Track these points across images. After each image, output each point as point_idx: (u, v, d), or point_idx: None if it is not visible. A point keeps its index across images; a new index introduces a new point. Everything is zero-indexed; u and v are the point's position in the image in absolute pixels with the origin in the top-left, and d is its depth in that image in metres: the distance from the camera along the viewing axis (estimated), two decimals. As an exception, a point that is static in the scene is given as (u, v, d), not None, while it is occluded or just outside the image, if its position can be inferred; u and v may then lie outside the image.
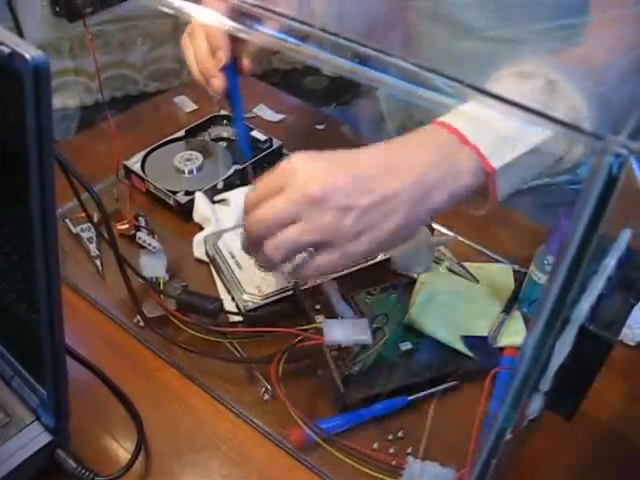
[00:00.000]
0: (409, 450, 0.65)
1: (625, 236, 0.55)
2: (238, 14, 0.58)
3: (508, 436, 0.42)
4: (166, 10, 0.49)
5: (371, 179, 0.60)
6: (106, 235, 0.70)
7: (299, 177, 0.60)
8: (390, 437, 0.66)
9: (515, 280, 0.81)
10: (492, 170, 0.62)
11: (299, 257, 0.62)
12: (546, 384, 0.52)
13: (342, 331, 0.65)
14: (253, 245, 0.65)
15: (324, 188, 0.59)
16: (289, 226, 0.61)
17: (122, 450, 0.65)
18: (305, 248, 0.61)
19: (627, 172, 0.28)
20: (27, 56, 0.40)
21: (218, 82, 0.82)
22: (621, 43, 0.71)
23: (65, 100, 1.96)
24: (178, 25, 2.06)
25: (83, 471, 0.60)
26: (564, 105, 0.62)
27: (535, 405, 0.55)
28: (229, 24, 0.54)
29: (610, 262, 0.52)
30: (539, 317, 0.36)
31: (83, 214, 0.72)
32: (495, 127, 0.62)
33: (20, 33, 0.67)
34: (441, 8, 0.96)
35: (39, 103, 0.42)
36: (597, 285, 0.51)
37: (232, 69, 0.82)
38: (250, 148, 0.92)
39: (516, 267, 0.83)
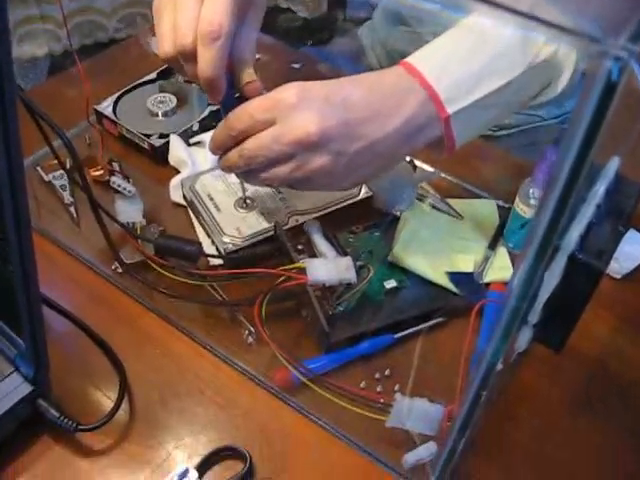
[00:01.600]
0: (397, 388, 0.64)
1: (614, 163, 0.54)
2: None
3: (499, 367, 0.41)
4: None
5: (360, 125, 0.62)
6: (80, 182, 0.67)
7: (294, 116, 0.61)
8: (377, 375, 0.66)
9: (499, 215, 0.80)
10: (446, 116, 0.63)
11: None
12: (535, 316, 0.51)
13: (325, 270, 0.64)
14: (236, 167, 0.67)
15: (319, 133, 0.60)
16: (280, 164, 0.63)
17: (105, 398, 0.64)
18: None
19: (628, 78, 0.26)
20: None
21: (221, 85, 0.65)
22: None
23: (33, 49, 1.89)
24: (147, -32, 2.00)
25: (66, 420, 0.59)
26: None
27: (524, 338, 0.54)
28: None
29: (599, 190, 0.51)
30: (529, 247, 0.35)
31: (55, 161, 0.70)
32: (461, 64, 0.63)
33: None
34: None
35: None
36: (586, 213, 0.50)
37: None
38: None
39: (500, 202, 0.82)
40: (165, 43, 0.64)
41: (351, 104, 0.62)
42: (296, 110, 0.61)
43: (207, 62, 0.62)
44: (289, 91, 0.62)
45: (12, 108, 0.43)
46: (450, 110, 0.62)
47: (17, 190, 0.47)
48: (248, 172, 0.66)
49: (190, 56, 0.62)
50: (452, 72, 0.63)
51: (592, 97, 0.25)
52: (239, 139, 0.64)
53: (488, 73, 0.62)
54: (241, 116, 0.63)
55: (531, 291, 0.39)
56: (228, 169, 0.68)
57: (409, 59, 0.65)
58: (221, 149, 0.67)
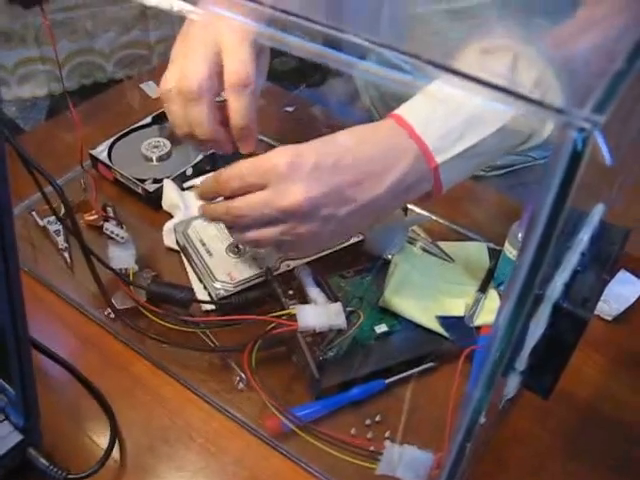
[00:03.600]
0: (387, 434, 0.64)
1: (598, 211, 0.54)
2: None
3: (482, 420, 0.41)
4: None
5: (351, 188, 0.63)
6: (71, 228, 0.68)
7: (285, 185, 0.61)
8: (368, 422, 0.65)
9: (490, 258, 0.80)
10: (434, 166, 0.64)
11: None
12: (522, 363, 0.51)
13: (315, 316, 0.64)
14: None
15: (308, 204, 0.61)
16: (268, 227, 0.64)
17: (95, 446, 0.64)
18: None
19: (593, 146, 0.27)
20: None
21: (254, 133, 0.70)
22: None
23: (33, 89, 1.92)
24: (146, 10, 2.03)
25: (55, 469, 0.59)
26: (529, 79, 0.62)
27: (512, 385, 0.54)
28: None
29: (583, 238, 0.52)
30: (509, 294, 0.35)
31: (50, 206, 0.71)
32: (447, 116, 0.64)
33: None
34: None
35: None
36: (571, 261, 0.50)
37: None
38: None
39: (491, 245, 0.82)
40: (167, 83, 0.68)
41: (342, 167, 0.63)
42: (287, 180, 0.61)
43: (241, 111, 0.66)
44: (280, 159, 0.62)
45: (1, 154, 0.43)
46: (439, 160, 0.63)
47: (5, 235, 0.47)
48: (232, 227, 0.68)
49: (191, 98, 0.66)
50: (438, 124, 0.64)
51: (560, 164, 0.26)
52: (227, 195, 0.66)
53: (472, 125, 0.63)
54: (233, 176, 0.64)
55: (514, 337, 0.40)
56: (210, 218, 0.69)
57: (398, 111, 0.66)
58: (207, 200, 0.68)
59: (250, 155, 0.69)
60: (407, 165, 0.63)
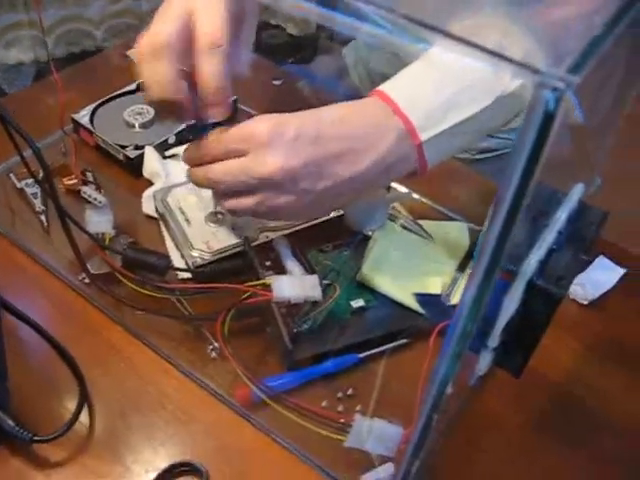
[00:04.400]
0: (358, 408, 0.64)
1: (577, 190, 0.54)
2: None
3: (449, 390, 0.41)
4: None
5: (331, 163, 0.62)
6: (48, 190, 0.67)
7: (263, 153, 0.61)
8: (340, 395, 0.65)
9: (471, 238, 0.80)
10: (418, 143, 0.63)
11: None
12: (494, 340, 0.51)
13: (291, 287, 0.63)
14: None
15: (284, 174, 0.61)
16: (245, 195, 0.64)
17: (65, 410, 0.63)
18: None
19: (568, 110, 0.26)
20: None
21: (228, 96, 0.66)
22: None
23: (19, 55, 1.89)
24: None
25: (22, 431, 0.59)
26: (516, 51, 0.61)
27: (484, 362, 0.54)
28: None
29: (561, 216, 0.51)
30: (477, 266, 0.35)
31: (30, 168, 0.70)
32: (432, 93, 0.64)
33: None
34: None
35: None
36: (547, 239, 0.50)
37: None
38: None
39: (472, 225, 0.82)
40: (154, 90, 0.64)
41: (324, 141, 0.62)
42: (266, 147, 0.61)
43: (213, 73, 0.62)
44: (262, 126, 0.62)
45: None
46: (423, 137, 0.63)
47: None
48: (213, 193, 0.69)
49: (158, 56, 0.62)
50: (423, 101, 0.63)
51: (532, 126, 0.26)
52: (209, 160, 0.65)
53: (457, 103, 0.63)
54: (214, 141, 0.64)
55: (479, 315, 0.39)
56: (193, 183, 0.68)
57: (382, 87, 0.65)
58: (191, 164, 0.68)
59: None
60: (390, 143, 0.63)
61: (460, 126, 0.63)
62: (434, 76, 0.64)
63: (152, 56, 0.63)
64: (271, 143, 0.61)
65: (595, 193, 0.56)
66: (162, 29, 0.63)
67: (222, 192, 0.66)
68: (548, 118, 0.25)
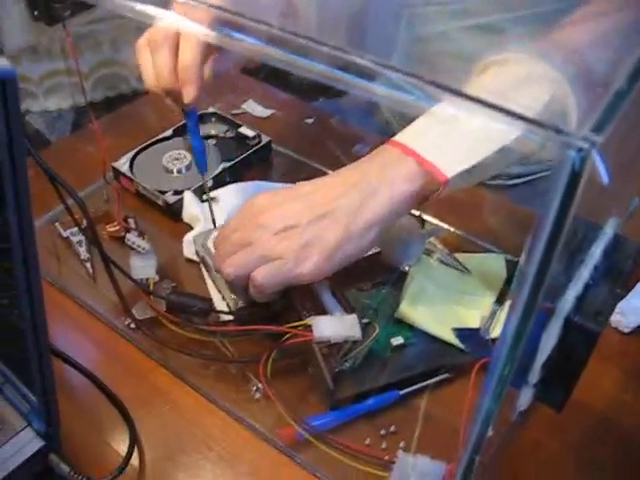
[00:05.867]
0: (401, 445, 0.64)
1: (611, 224, 0.54)
2: (216, 22, 0.59)
3: (490, 432, 0.42)
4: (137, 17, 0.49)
5: (311, 197, 0.67)
6: (92, 239, 0.70)
7: (251, 209, 0.69)
8: (382, 432, 0.66)
9: (508, 269, 0.80)
10: (445, 181, 0.64)
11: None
12: (534, 376, 0.52)
13: (331, 327, 0.65)
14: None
15: (270, 213, 0.67)
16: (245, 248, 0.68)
17: (115, 453, 0.65)
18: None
19: (594, 164, 0.28)
20: (-8, 66, 0.40)
21: (193, 90, 0.74)
22: (601, 30, 0.70)
23: (59, 102, 1.95)
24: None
25: (76, 475, 0.60)
26: (546, 91, 0.62)
27: (525, 397, 0.54)
28: (207, 32, 0.53)
29: (596, 251, 0.52)
30: (515, 305, 0.36)
31: (75, 217, 0.73)
32: (450, 136, 0.65)
33: (-3, 39, 0.66)
34: None
35: (7, 114, 0.41)
36: (583, 275, 0.51)
37: None
38: (205, 163, 0.85)
39: (508, 256, 0.82)
40: (148, 79, 0.74)
41: (304, 185, 0.70)
42: (253, 206, 0.70)
43: (188, 49, 0.69)
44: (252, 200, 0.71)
45: (22, 168, 0.45)
46: (449, 175, 0.64)
47: (27, 244, 0.48)
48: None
49: (156, 46, 0.71)
50: (444, 146, 0.65)
51: (560, 184, 0.27)
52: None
53: (479, 142, 0.63)
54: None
55: (519, 353, 0.40)
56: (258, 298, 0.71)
57: (399, 138, 0.68)
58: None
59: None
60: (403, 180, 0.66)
61: (484, 162, 0.64)
62: (448, 121, 0.65)
63: (153, 49, 0.71)
64: (258, 202, 0.71)
65: (632, 214, 0.56)
66: (161, 26, 0.69)
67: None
68: (574, 177, 0.26)
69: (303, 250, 0.66)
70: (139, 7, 0.52)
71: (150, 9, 0.53)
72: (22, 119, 0.44)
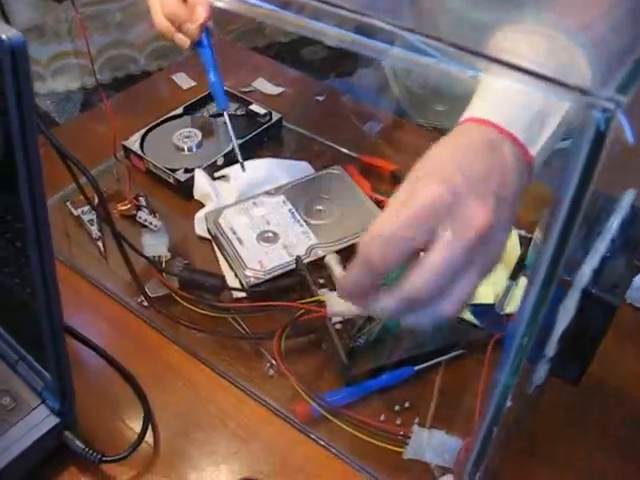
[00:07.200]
0: (416, 420, 0.64)
1: (629, 197, 0.54)
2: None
3: (508, 404, 0.42)
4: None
5: (498, 187, 0.52)
6: (104, 217, 0.69)
7: (462, 209, 0.49)
8: (397, 408, 0.66)
9: (521, 245, 0.80)
10: (530, 159, 0.57)
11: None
12: (551, 350, 0.51)
13: (344, 303, 0.64)
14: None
15: (493, 212, 0.50)
16: (462, 275, 0.50)
17: (129, 430, 0.65)
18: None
19: (617, 127, 0.27)
20: (3, 37, 0.39)
21: (193, 29, 0.77)
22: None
23: (67, 83, 1.95)
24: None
25: (91, 452, 0.61)
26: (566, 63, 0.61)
27: (541, 371, 0.54)
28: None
29: (613, 224, 0.51)
30: (534, 279, 0.35)
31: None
32: (521, 105, 0.58)
33: (5, 17, 0.66)
34: None
35: (18, 84, 0.41)
36: (600, 247, 0.50)
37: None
38: (224, 97, 0.87)
39: (522, 232, 0.82)
40: (156, 15, 0.79)
41: (477, 176, 0.53)
42: (460, 205, 0.49)
43: None
44: (436, 191, 0.49)
45: (34, 148, 0.45)
46: (533, 152, 0.57)
47: (40, 223, 0.48)
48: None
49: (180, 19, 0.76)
50: (519, 118, 0.58)
51: (583, 146, 0.26)
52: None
53: (547, 110, 0.59)
54: (387, 249, 0.50)
55: (538, 323, 0.40)
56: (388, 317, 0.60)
57: (476, 114, 0.59)
58: (360, 295, 0.54)
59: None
60: (510, 159, 0.55)
61: (555, 131, 0.61)
62: (511, 94, 0.58)
63: None
64: (459, 199, 0.50)
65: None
66: None
67: (434, 295, 0.50)
68: (599, 138, 0.25)
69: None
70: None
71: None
72: (32, 93, 0.43)
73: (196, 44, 0.81)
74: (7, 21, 0.66)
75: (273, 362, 0.68)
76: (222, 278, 0.74)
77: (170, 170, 0.88)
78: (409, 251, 0.49)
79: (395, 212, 0.49)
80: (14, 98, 0.42)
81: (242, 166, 0.86)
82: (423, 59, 0.32)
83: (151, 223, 0.78)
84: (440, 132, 1.00)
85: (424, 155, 0.55)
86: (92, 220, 0.84)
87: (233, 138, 0.86)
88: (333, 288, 0.70)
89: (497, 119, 0.58)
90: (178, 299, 0.72)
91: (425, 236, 0.48)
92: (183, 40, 0.80)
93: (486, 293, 0.74)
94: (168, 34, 0.80)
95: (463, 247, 0.48)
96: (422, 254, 0.49)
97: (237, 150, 0.86)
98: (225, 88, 1.01)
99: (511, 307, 0.73)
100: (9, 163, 0.45)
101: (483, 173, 0.53)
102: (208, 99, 1.02)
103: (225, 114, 0.87)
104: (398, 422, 0.65)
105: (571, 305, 0.48)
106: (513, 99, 0.60)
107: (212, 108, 1.01)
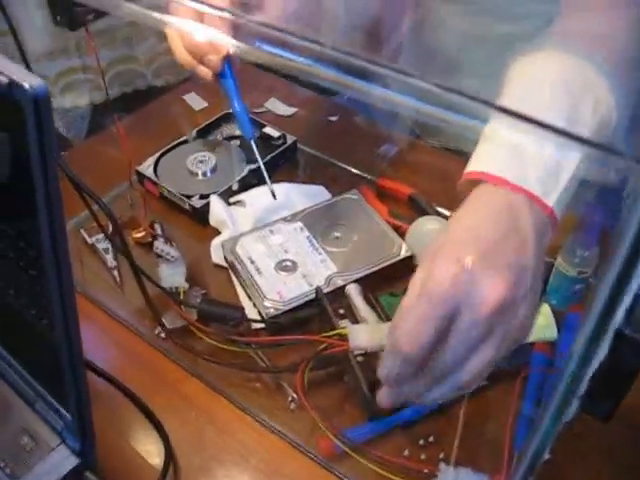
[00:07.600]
0: (441, 455, 0.63)
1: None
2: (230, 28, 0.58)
3: (547, 456, 0.41)
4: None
5: (517, 257, 0.53)
6: (120, 247, 0.68)
7: (476, 287, 0.51)
8: (421, 442, 0.65)
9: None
10: (550, 211, 0.57)
11: None
12: (582, 388, 0.50)
13: (367, 336, 0.63)
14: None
15: (503, 293, 0.51)
16: (479, 348, 0.52)
17: (149, 467, 0.64)
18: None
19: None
20: (26, 86, 0.38)
21: (215, 60, 0.77)
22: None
23: (75, 99, 1.93)
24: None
25: (112, 493, 0.60)
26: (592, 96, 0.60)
27: (571, 408, 0.53)
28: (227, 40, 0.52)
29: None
30: (585, 326, 0.35)
31: (99, 224, 0.71)
32: (533, 154, 0.58)
33: (18, 45, 0.65)
34: None
35: (41, 131, 0.40)
36: (633, 286, 0.49)
37: None
38: (251, 127, 0.86)
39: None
40: (178, 49, 0.78)
41: (494, 247, 0.53)
42: (475, 284, 0.51)
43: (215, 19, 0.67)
44: (452, 271, 0.51)
45: (56, 197, 0.44)
46: (551, 202, 0.57)
47: (60, 261, 0.47)
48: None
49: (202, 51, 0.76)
50: (532, 168, 0.58)
51: (636, 213, 0.26)
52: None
53: (563, 154, 0.57)
54: (409, 336, 0.52)
55: (583, 377, 0.39)
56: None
57: (482, 169, 0.59)
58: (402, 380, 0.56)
59: None
60: (528, 217, 0.56)
61: (576, 172, 0.59)
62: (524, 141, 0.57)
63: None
64: (474, 277, 0.51)
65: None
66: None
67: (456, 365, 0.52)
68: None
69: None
70: (156, 15, 0.50)
71: (166, 17, 0.52)
72: (54, 139, 0.43)
73: (219, 75, 0.80)
74: (27, 66, 0.66)
75: (294, 396, 0.67)
76: (242, 310, 0.73)
77: (185, 196, 0.87)
78: (435, 335, 0.51)
79: (415, 300, 0.52)
80: (36, 146, 0.41)
81: (273, 194, 0.85)
82: (434, 111, 0.32)
83: (168, 253, 0.77)
84: (454, 153, 1.00)
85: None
86: (107, 249, 0.83)
87: (261, 164, 0.85)
88: (354, 320, 0.69)
89: (511, 175, 0.57)
90: (197, 332, 0.71)
91: (446, 320, 0.50)
92: (205, 72, 0.79)
93: (508, 321, 0.72)
94: (189, 67, 0.79)
95: (477, 324, 0.50)
96: None
97: (267, 178, 0.85)
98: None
99: (533, 336, 0.72)
100: (29, 203, 0.45)
101: (500, 242, 0.54)
102: (221, 121, 1.02)
103: (252, 142, 0.86)
104: (423, 457, 0.64)
105: (604, 344, 0.47)
106: (524, 148, 0.59)
107: (225, 130, 1.01)
